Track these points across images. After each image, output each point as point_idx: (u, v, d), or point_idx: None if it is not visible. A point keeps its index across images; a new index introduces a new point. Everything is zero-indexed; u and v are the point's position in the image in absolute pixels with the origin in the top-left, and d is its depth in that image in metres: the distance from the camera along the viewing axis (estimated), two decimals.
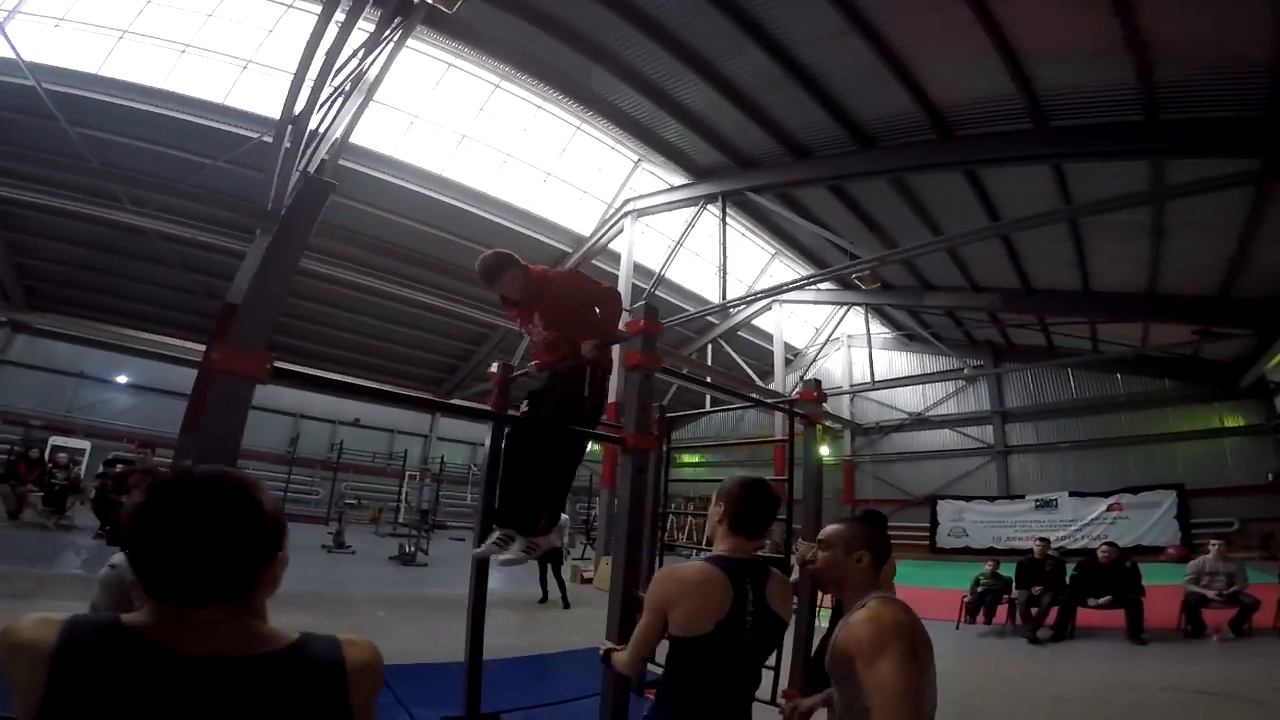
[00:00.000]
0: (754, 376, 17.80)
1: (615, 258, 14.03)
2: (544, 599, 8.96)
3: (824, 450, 21.17)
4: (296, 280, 15.35)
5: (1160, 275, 11.76)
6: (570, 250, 14.97)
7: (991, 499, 18.68)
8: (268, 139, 9.03)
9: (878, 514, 4.33)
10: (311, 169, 10.21)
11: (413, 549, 12.18)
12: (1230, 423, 16.22)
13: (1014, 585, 8.10)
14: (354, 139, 11.24)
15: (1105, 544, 8.15)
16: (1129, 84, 6.90)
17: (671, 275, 14.25)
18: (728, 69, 8.50)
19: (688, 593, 1.77)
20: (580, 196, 14.35)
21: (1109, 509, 16.43)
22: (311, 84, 7.72)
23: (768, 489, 1.93)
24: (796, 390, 4.41)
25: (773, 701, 3.77)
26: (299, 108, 7.98)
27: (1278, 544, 13.00)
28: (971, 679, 5.70)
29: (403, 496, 19.08)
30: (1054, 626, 7.33)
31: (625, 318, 3.46)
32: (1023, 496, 18.09)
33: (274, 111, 8.78)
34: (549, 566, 9.12)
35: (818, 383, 4.32)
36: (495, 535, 3.42)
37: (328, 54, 7.29)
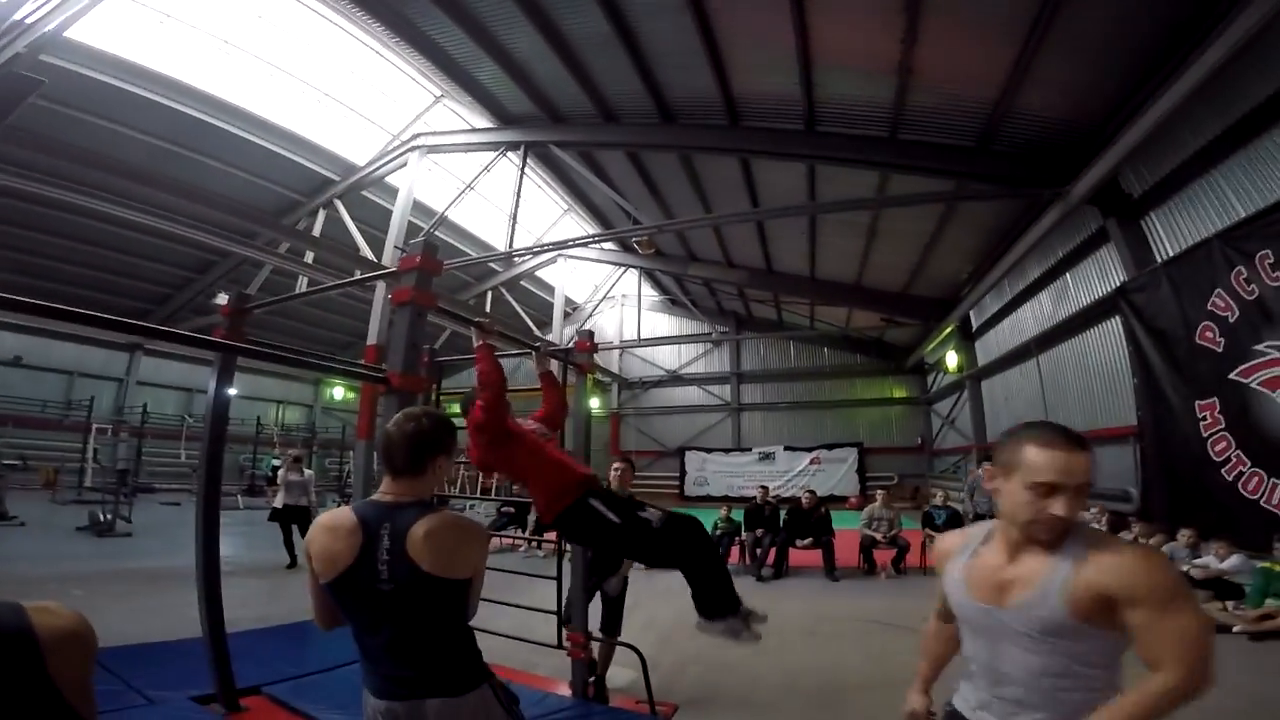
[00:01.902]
0: (533, 326, 17.65)
1: (391, 192, 12.79)
2: (292, 564, 8.09)
3: (595, 403, 22.00)
4: None
5: (866, 271, 14.30)
6: (338, 179, 13.24)
7: (727, 451, 21.34)
8: None
9: None
10: None
11: (110, 516, 10.05)
12: (897, 394, 20.64)
13: (743, 528, 9.23)
14: (75, 34, 8.70)
15: (807, 492, 9.72)
16: (886, 103, 8.01)
17: (455, 217, 13.25)
18: (564, 21, 8.06)
19: (317, 535, 1.61)
20: (362, 124, 12.53)
21: (811, 462, 19.88)
22: None
23: (409, 420, 1.65)
24: (572, 341, 4.40)
25: (559, 645, 3.84)
26: None
27: (922, 496, 16.96)
28: None
29: (89, 454, 15.06)
30: (773, 565, 8.55)
31: (398, 255, 3.01)
32: (750, 449, 20.95)
33: None
34: (293, 528, 8.33)
35: (591, 334, 4.39)
36: None
37: None
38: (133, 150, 10.98)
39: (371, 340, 11.83)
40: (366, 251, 12.22)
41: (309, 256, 12.47)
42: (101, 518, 9.94)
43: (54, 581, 6.36)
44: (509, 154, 10.98)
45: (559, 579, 3.93)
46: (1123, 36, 6.18)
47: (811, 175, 10.55)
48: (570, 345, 4.52)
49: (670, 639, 5.49)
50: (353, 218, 12.61)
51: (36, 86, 5.65)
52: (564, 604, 3.99)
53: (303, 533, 8.18)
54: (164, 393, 18.68)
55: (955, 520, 8.73)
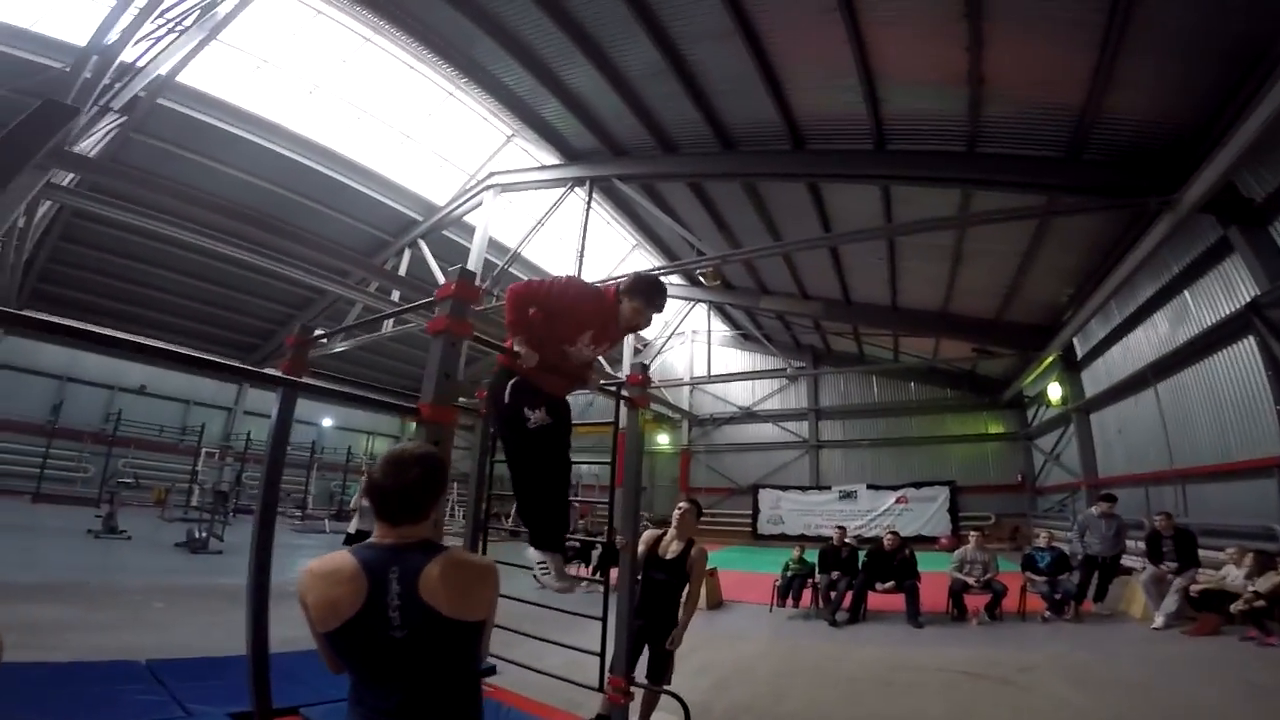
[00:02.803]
0: (603, 363, 17.77)
1: (469, 230, 13.41)
2: None
3: (664, 439, 21.79)
4: (79, 226, 13.25)
5: (953, 297, 13.45)
6: (421, 219, 14.15)
7: (804, 489, 20.41)
8: (68, 69, 7.91)
9: None
10: (117, 105, 8.71)
11: (204, 534, 10.72)
12: (993, 429, 19.15)
13: (817, 570, 8.64)
14: (185, 79, 10.08)
15: (890, 533, 8.98)
16: (959, 116, 7.61)
17: (528, 254, 13.70)
18: (617, 55, 8.32)
19: (314, 584, 1.48)
20: (440, 164, 13.40)
21: (897, 501, 18.68)
22: (137, 11, 7.07)
23: (401, 470, 1.53)
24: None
25: (599, 688, 3.61)
26: (113, 36, 7.28)
27: (1023, 536, 15.50)
28: (778, 659, 6.02)
29: (197, 477, 16.40)
30: (850, 609, 7.94)
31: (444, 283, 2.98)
32: (829, 487, 19.94)
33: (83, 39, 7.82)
34: None
35: (644, 366, 4.19)
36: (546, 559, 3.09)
37: None
38: (236, 189, 12.16)
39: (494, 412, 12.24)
40: None
41: (395, 295, 13.18)
42: (197, 535, 10.63)
43: (140, 593, 6.78)
44: (576, 189, 11.25)
45: (604, 618, 3.71)
46: (1211, 29, 5.60)
47: (886, 197, 10.12)
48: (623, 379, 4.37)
49: (726, 686, 5.11)
50: (434, 255, 13.27)
51: (72, 114, 6.24)
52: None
53: None
54: (267, 422, 20.03)
55: (1061, 563, 7.85)
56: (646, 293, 3.03)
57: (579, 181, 11.15)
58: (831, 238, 11.16)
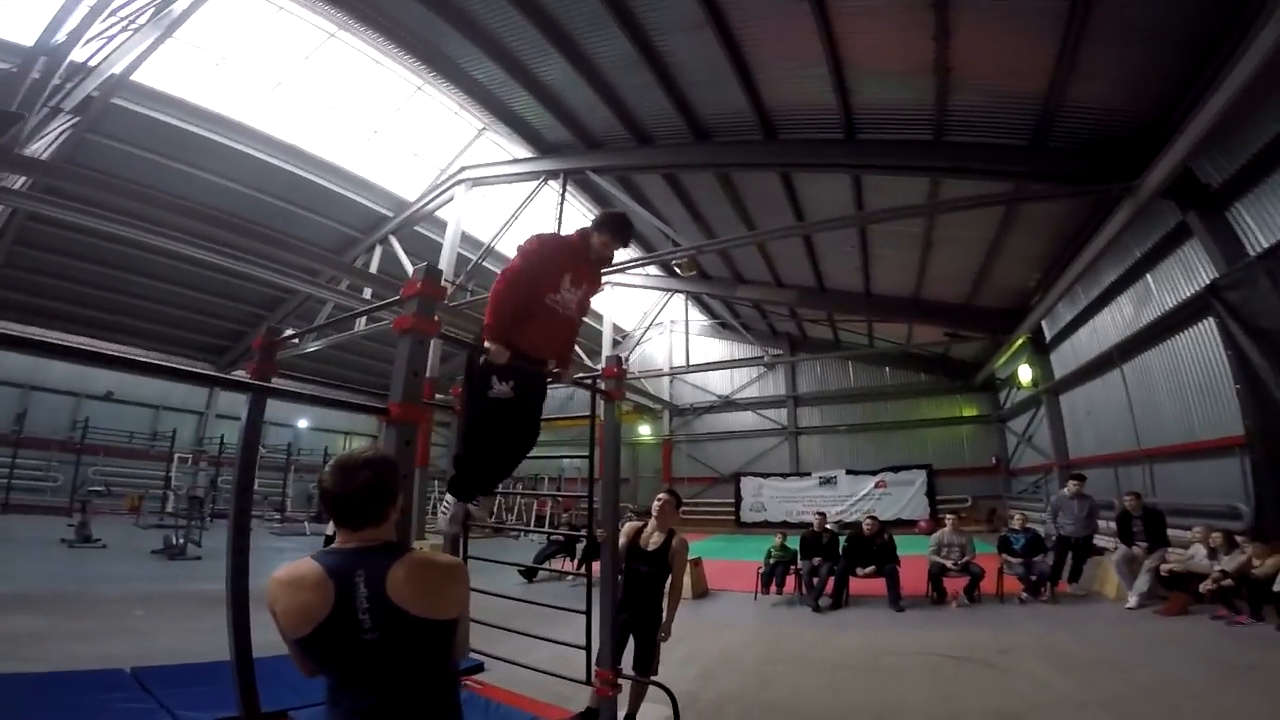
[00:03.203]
0: (582, 355, 17.72)
1: (441, 226, 13.24)
2: None
3: (645, 430, 21.78)
4: (37, 230, 12.83)
5: (924, 283, 13.66)
6: (391, 214, 13.96)
7: (784, 476, 20.62)
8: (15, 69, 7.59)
9: None
10: (68, 106, 8.38)
11: (182, 540, 10.55)
12: (967, 412, 19.51)
13: (799, 557, 8.73)
14: (139, 78, 9.74)
15: (868, 517, 9.08)
16: (927, 105, 7.69)
17: (502, 248, 13.60)
18: (589, 47, 8.25)
19: (280, 592, 1.46)
20: (410, 159, 13.20)
21: (876, 485, 18.97)
22: (87, 9, 6.90)
23: (352, 475, 1.51)
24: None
25: (587, 680, 3.62)
26: (61, 36, 7.09)
27: (1000, 518, 15.86)
28: (764, 647, 6.08)
29: (170, 482, 16.05)
30: (832, 595, 8.04)
31: (448, 288, 3.00)
32: (809, 474, 20.18)
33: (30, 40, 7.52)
34: None
35: (619, 359, 4.19)
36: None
37: None
38: (199, 189, 11.86)
39: (429, 374, 12.11)
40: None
41: (367, 292, 12.97)
42: (174, 541, 10.46)
43: (120, 601, 6.67)
44: (550, 182, 11.17)
45: (588, 612, 3.73)
46: (1169, 19, 5.74)
47: (857, 186, 10.21)
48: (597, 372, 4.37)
49: (713, 675, 5.16)
50: (406, 252, 13.08)
51: (16, 120, 6.02)
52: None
53: None
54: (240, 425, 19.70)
55: (1036, 545, 8.04)
56: (612, 225, 3.32)
57: (553, 175, 11.08)
58: (804, 226, 11.25)
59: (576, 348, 4.20)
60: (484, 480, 3.38)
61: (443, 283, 10.60)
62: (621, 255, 15.05)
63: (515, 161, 11.79)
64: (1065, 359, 13.22)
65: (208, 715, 3.43)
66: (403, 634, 1.44)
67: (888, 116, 8.16)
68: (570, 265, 3.25)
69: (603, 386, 4.13)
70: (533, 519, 15.23)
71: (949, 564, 8.06)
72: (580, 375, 3.88)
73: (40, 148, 8.61)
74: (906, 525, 16.71)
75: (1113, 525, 8.16)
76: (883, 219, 10.02)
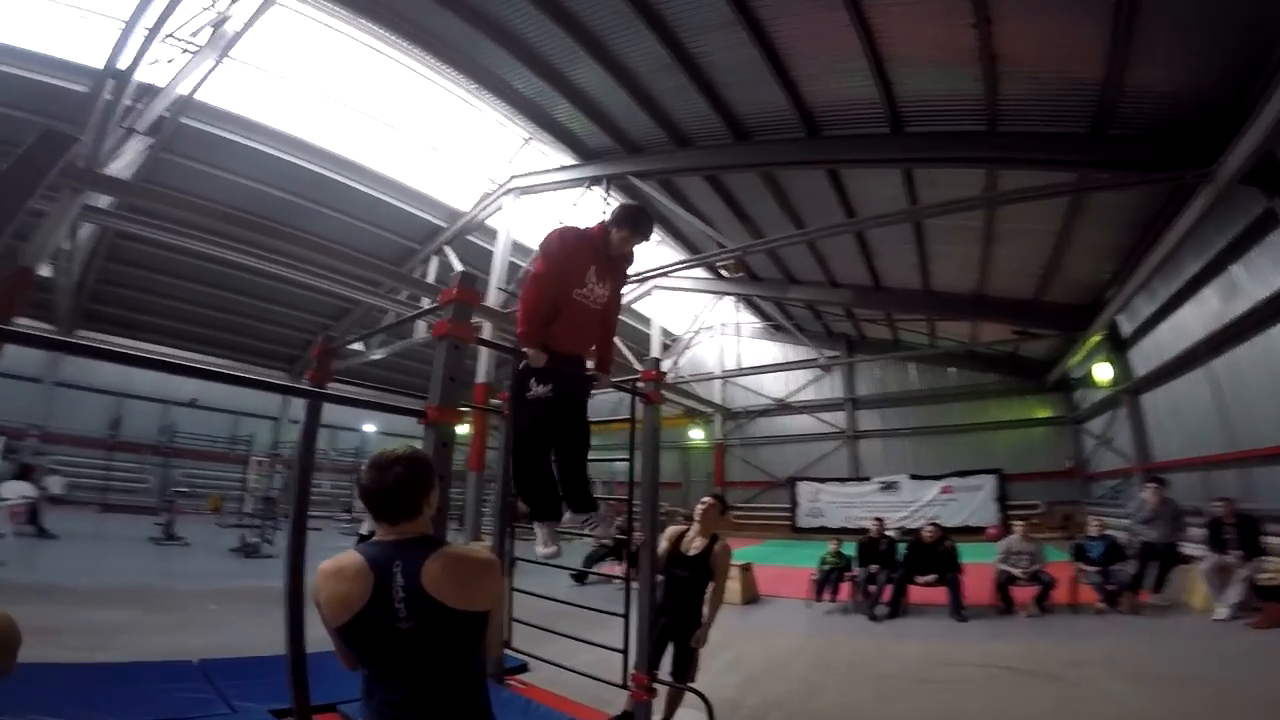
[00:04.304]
0: (632, 359, 17.81)
1: (492, 234, 13.59)
2: None
3: (697, 434, 21.62)
4: (124, 247, 13.85)
5: (988, 279, 13.03)
6: (445, 225, 14.46)
7: (843, 480, 20.04)
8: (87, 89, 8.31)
9: None
10: (142, 127, 9.06)
11: (256, 539, 11.22)
12: (1040, 414, 18.46)
13: (855, 563, 8.47)
14: (204, 97, 10.39)
15: (930, 524, 8.70)
16: (977, 95, 7.37)
17: None
18: (621, 51, 8.33)
19: (324, 583, 1.57)
20: (461, 170, 13.63)
21: (942, 491, 18.15)
22: (146, 32, 7.31)
23: (385, 472, 1.59)
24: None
25: (623, 685, 3.65)
26: (126, 58, 7.57)
27: (1075, 524, 14.93)
28: (813, 655, 5.94)
29: (247, 484, 17.10)
30: (889, 603, 7.75)
31: (500, 296, 3.12)
32: (869, 478, 19.53)
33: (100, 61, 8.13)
34: None
35: (657, 361, 4.23)
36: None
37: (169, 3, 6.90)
38: (266, 204, 12.57)
39: (480, 379, 12.48)
40: None
41: (425, 301, 13.47)
42: (249, 540, 11.11)
43: (196, 597, 7.12)
44: (593, 188, 11.31)
45: (626, 615, 3.74)
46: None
47: (909, 181, 9.87)
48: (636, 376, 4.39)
49: (757, 682, 5.07)
50: (460, 261, 13.52)
51: (70, 143, 6.41)
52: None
53: None
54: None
55: (1115, 553, 7.55)
56: (630, 220, 3.27)
57: (595, 180, 11.23)
58: (853, 223, 10.93)
59: (620, 345, 4.25)
60: (548, 491, 3.34)
61: (495, 289, 11.03)
62: (665, 258, 15.08)
63: (560, 169, 12.02)
64: (1146, 356, 12.34)
65: (262, 706, 3.65)
66: (435, 624, 1.50)
67: (936, 108, 7.87)
68: (592, 259, 3.25)
69: (642, 389, 4.16)
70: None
71: (1017, 572, 7.65)
72: (619, 379, 3.91)
73: (121, 168, 9.33)
74: (974, 532, 15.93)
75: (1202, 532, 7.56)
76: (937, 213, 9.65)
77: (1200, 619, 6.67)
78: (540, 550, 3.36)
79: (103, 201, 10.01)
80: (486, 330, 12.30)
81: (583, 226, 3.44)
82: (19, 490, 10.24)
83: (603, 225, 3.31)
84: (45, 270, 10.37)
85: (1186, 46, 5.96)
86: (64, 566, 8.39)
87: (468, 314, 3.09)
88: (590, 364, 3.56)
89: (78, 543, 10.41)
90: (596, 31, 8.05)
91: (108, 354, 2.62)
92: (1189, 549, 8.17)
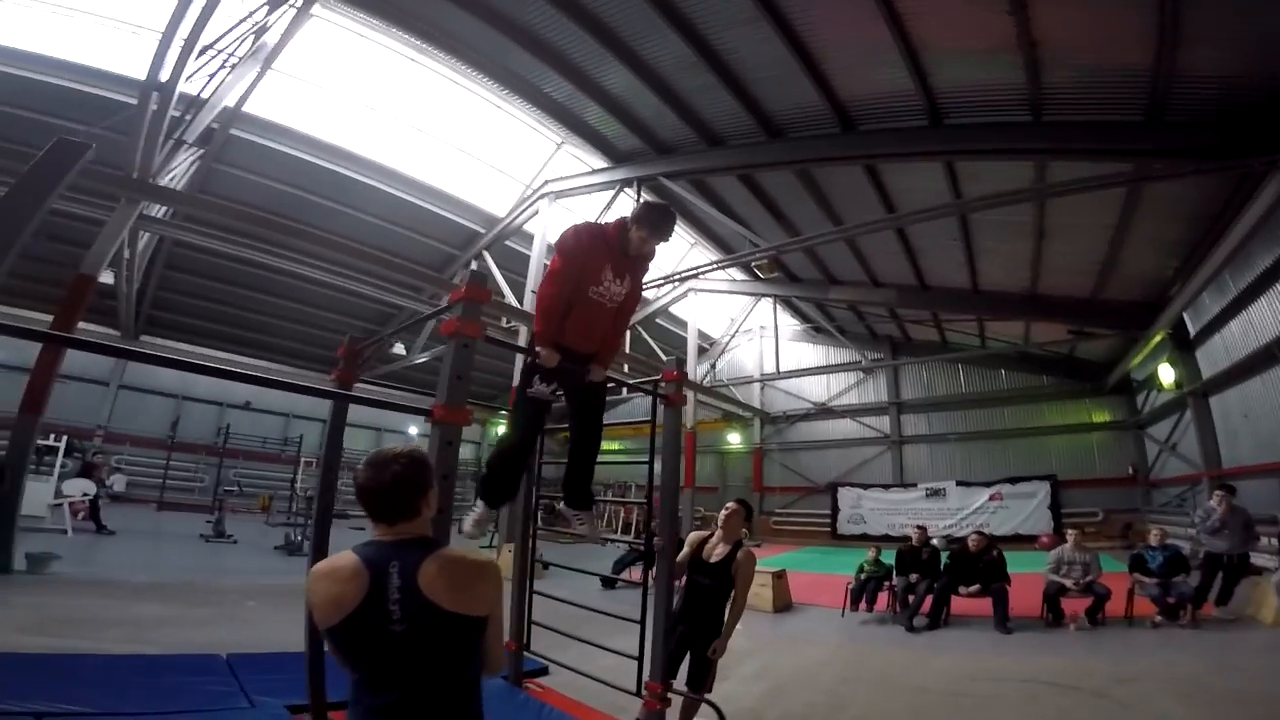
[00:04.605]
0: (651, 340, 17.76)
1: (529, 239, 13.72)
2: None
3: (735, 438, 21.38)
4: (181, 255, 14.52)
5: (1040, 276, 12.43)
6: (483, 230, 14.68)
7: (887, 487, 19.43)
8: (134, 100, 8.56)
9: None
10: (190, 137, 9.46)
11: (299, 538, 11.53)
12: (1098, 418, 17.52)
13: (894, 572, 8.17)
14: (249, 108, 10.78)
15: (975, 532, 8.31)
16: (1018, 84, 7.05)
17: None
18: (646, 52, 8.33)
19: (318, 584, 1.54)
20: (497, 176, 13.84)
21: (991, 498, 17.42)
22: (181, 44, 7.49)
23: (383, 470, 1.55)
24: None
25: (637, 692, 3.58)
26: (167, 71, 7.76)
27: (1136, 533, 14.10)
28: (843, 667, 5.72)
29: (296, 484, 17.73)
30: (929, 614, 7.45)
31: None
32: (915, 485, 18.89)
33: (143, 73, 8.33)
34: None
35: (679, 362, 4.11)
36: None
37: (201, 13, 7.22)
38: (313, 213, 13.03)
39: (516, 382, 12.60)
40: (511, 299, 13.14)
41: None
42: (293, 538, 11.44)
43: (237, 592, 7.33)
44: (625, 190, 11.30)
45: (642, 622, 3.66)
46: None
47: (952, 175, 9.51)
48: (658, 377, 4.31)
49: (782, 692, 4.91)
50: (498, 266, 13.71)
51: (84, 150, 6.58)
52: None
53: None
54: (359, 432, 21.55)
55: (1177, 563, 7.04)
56: (650, 219, 3.14)
57: (627, 183, 11.25)
58: (892, 219, 10.55)
59: (656, 350, 4.17)
60: (511, 483, 3.38)
61: (531, 294, 11.12)
62: (698, 259, 14.97)
63: (592, 173, 12.09)
64: (1214, 356, 11.55)
65: (280, 701, 3.67)
66: (430, 627, 1.46)
67: (976, 98, 7.55)
68: (608, 257, 3.16)
69: (663, 392, 4.07)
70: (619, 526, 15.37)
71: (1069, 583, 7.24)
72: (641, 379, 3.84)
73: (175, 178, 9.78)
74: (1026, 540, 15.28)
75: (1274, 542, 7.00)
76: (980, 207, 9.22)
77: (1268, 634, 6.22)
78: (465, 528, 3.35)
79: (158, 211, 10.50)
80: (523, 334, 12.42)
81: (600, 222, 3.37)
82: (81, 488, 10.83)
83: (621, 222, 3.22)
84: (107, 277, 10.93)
85: (1238, 27, 5.58)
86: (118, 561, 8.81)
87: (477, 312, 3.04)
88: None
89: (133, 539, 10.91)
90: (620, 33, 8.06)
91: (148, 357, 2.68)
92: (1259, 559, 7.60)
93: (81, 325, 13.55)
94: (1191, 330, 12.28)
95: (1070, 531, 8.04)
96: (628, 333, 17.43)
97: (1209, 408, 12.22)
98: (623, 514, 15.22)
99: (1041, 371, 18.12)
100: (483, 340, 3.30)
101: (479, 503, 3.34)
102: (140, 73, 9.31)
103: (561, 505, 3.46)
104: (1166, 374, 13.25)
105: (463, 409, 2.91)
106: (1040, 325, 14.90)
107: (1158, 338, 12.64)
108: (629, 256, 3.21)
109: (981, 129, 7.92)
